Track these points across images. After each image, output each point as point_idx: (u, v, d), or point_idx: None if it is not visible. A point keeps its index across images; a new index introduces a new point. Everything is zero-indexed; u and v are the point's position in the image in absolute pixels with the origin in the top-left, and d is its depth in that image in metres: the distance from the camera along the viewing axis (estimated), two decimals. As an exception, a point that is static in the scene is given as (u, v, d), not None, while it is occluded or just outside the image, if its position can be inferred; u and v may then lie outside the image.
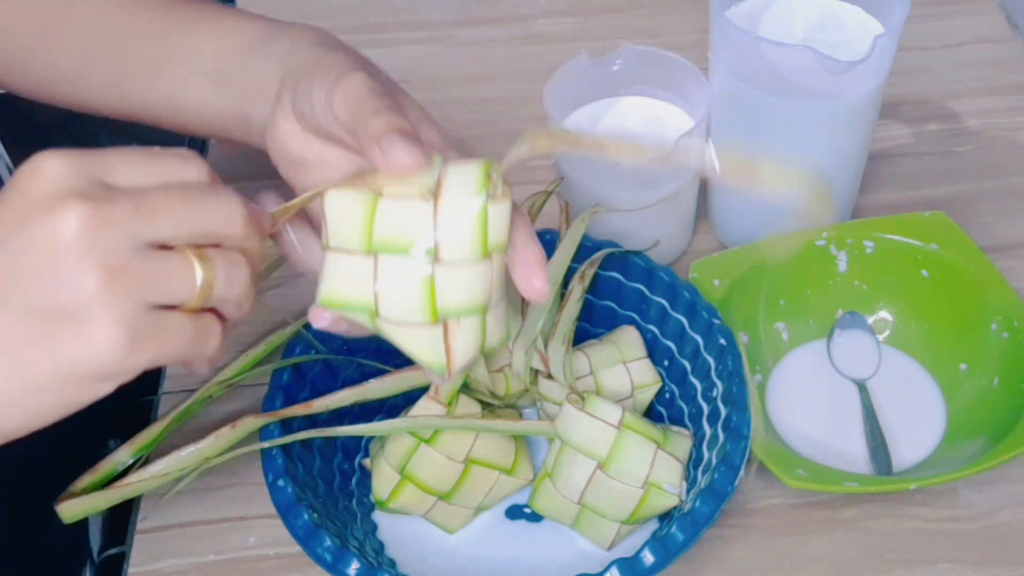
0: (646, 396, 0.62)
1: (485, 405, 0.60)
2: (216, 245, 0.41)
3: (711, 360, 0.58)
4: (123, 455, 0.56)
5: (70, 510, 0.54)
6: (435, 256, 0.41)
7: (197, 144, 0.84)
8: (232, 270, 0.41)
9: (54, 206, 0.37)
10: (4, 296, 0.37)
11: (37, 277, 0.37)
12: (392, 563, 0.58)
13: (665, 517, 0.56)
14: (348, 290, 0.42)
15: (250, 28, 0.54)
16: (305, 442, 0.57)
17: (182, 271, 0.39)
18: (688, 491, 0.55)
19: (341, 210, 0.42)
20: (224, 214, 0.40)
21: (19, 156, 1.70)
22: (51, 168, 0.38)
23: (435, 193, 0.41)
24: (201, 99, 0.54)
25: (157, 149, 0.40)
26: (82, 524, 0.62)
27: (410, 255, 0.41)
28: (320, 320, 0.44)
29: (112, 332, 0.37)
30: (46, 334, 0.37)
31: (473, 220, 0.41)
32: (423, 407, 0.57)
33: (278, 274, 0.73)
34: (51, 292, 0.37)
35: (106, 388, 0.39)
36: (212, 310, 0.42)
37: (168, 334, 0.39)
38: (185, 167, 0.40)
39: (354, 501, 0.59)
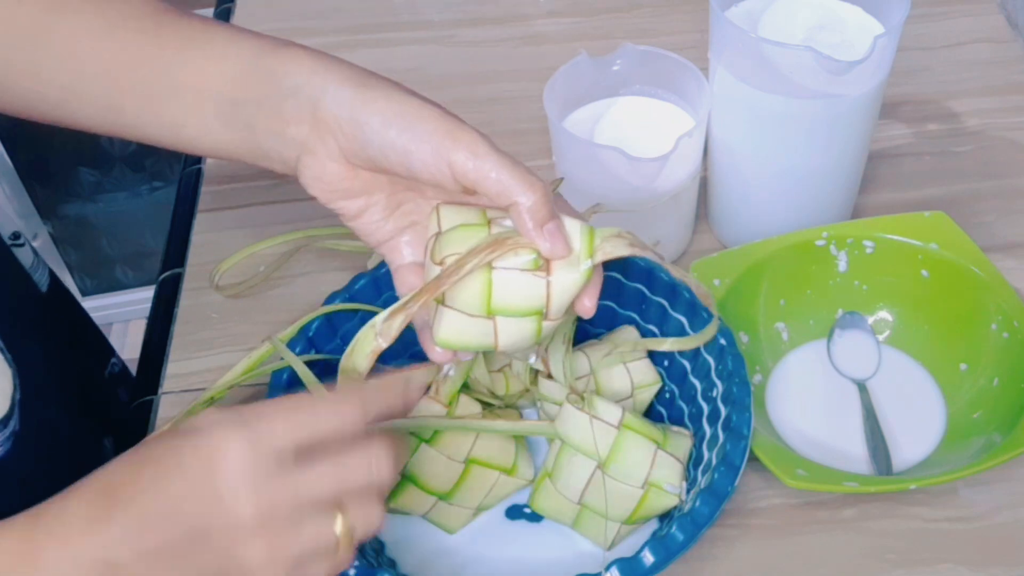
0: (646, 396, 0.62)
1: (485, 405, 0.60)
2: None
3: (711, 360, 0.58)
4: None
5: None
6: (544, 315, 0.49)
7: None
8: (368, 510, 0.45)
9: (237, 483, 0.41)
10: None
11: (211, 548, 0.42)
12: (392, 563, 0.57)
13: (665, 517, 0.56)
14: (468, 339, 0.50)
15: (247, 51, 0.52)
16: (305, 442, 0.57)
17: (325, 527, 0.43)
18: (688, 491, 0.55)
19: (460, 283, 0.48)
20: (374, 473, 0.44)
21: (20, 156, 1.70)
22: (233, 454, 0.41)
23: (547, 267, 0.49)
24: (205, 128, 0.54)
25: (318, 396, 0.46)
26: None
27: (524, 318, 0.49)
28: (439, 356, 0.52)
29: None
30: None
31: (578, 287, 0.49)
32: (423, 407, 0.57)
33: (278, 274, 0.73)
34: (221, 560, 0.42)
35: None
36: None
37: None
38: (342, 417, 0.44)
39: (354, 501, 0.59)
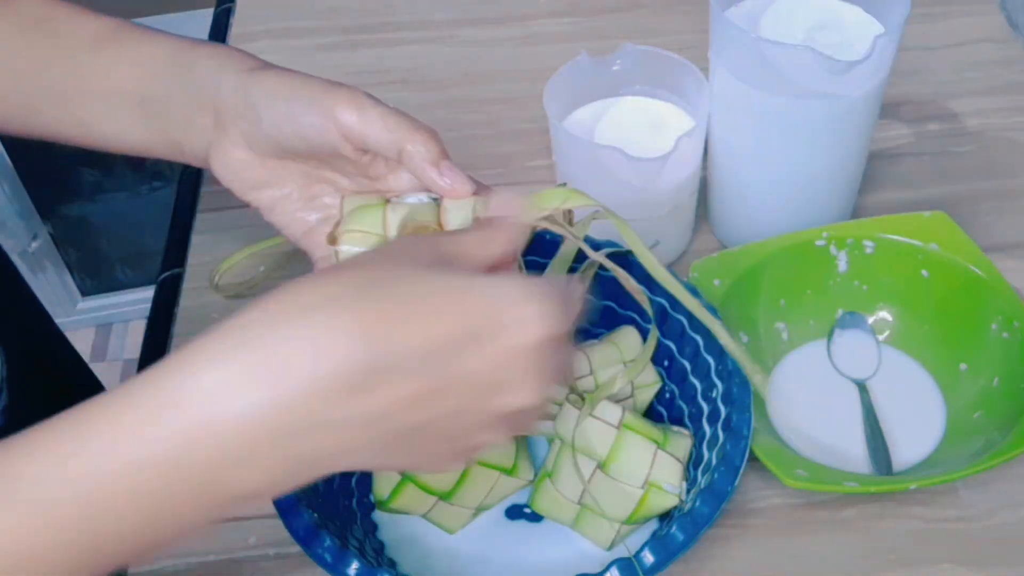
0: (646, 396, 0.62)
1: (485, 405, 0.60)
2: None
3: (711, 360, 0.58)
4: None
5: None
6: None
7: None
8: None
9: (528, 363, 0.40)
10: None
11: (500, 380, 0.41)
12: (392, 563, 0.58)
13: (665, 517, 0.56)
14: None
15: (162, 52, 0.53)
16: (305, 442, 0.57)
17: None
18: (688, 491, 0.55)
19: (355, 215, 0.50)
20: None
21: (20, 156, 1.69)
22: (529, 320, 0.40)
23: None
24: (121, 126, 0.54)
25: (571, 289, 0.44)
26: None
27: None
28: None
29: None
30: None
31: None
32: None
33: (278, 275, 0.73)
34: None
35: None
36: None
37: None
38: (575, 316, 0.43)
39: (354, 501, 0.59)
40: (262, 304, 0.39)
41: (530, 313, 0.40)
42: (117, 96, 0.54)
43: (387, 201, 0.51)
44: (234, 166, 0.52)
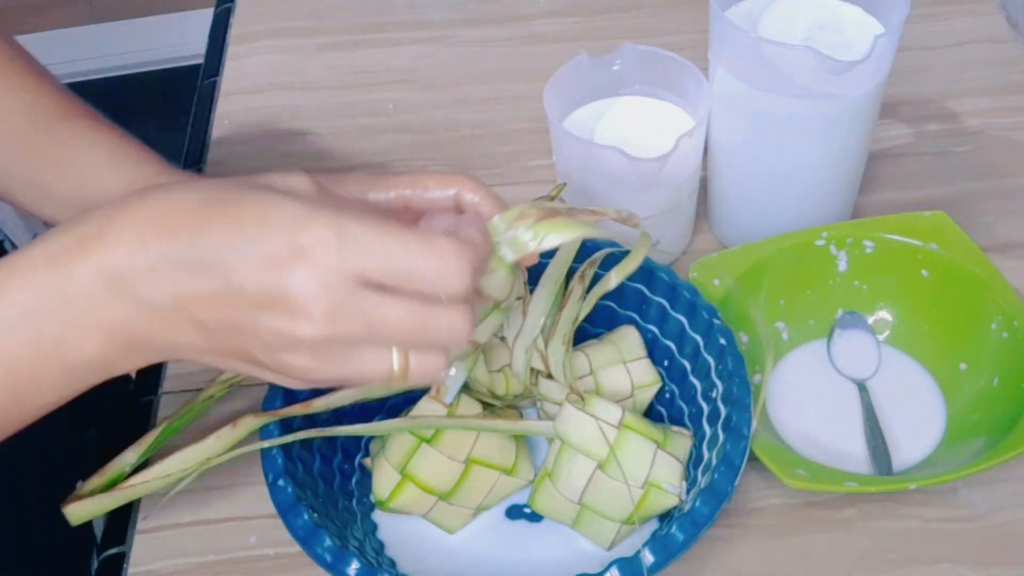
0: (646, 396, 0.62)
1: (486, 405, 0.60)
2: None
3: (711, 360, 0.58)
4: (130, 457, 0.56)
5: (77, 512, 0.54)
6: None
7: (197, 142, 0.84)
8: (431, 360, 0.43)
9: (310, 290, 0.40)
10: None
11: (249, 328, 0.41)
12: (392, 563, 0.58)
13: (665, 517, 0.56)
14: None
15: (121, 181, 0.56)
16: (305, 442, 0.57)
17: (381, 363, 0.43)
18: (688, 491, 0.55)
19: None
20: (449, 336, 0.43)
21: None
22: (321, 256, 0.40)
23: None
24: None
25: (437, 238, 0.42)
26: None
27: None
28: None
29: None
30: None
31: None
32: (424, 407, 0.57)
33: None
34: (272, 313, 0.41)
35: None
36: None
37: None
38: (446, 279, 0.42)
39: (354, 501, 0.59)
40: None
41: (309, 242, 0.40)
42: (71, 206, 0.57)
43: None
44: None
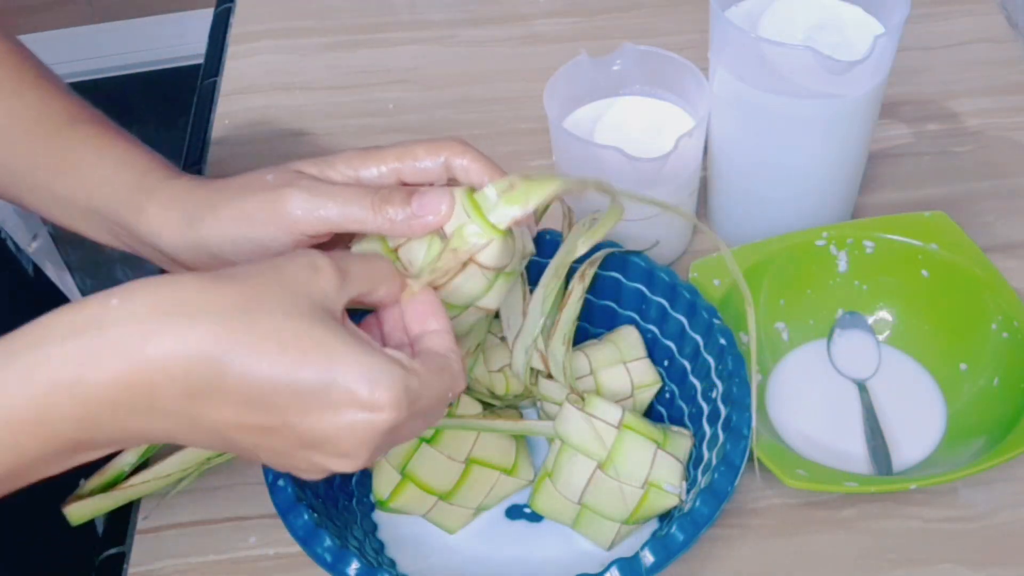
0: (646, 396, 0.62)
1: (486, 405, 0.60)
2: None
3: (711, 360, 0.58)
4: (129, 457, 0.56)
5: (78, 512, 0.54)
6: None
7: (197, 142, 0.84)
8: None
9: (362, 440, 0.42)
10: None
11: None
12: (392, 563, 0.58)
13: (665, 517, 0.56)
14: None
15: (121, 187, 0.55)
16: (305, 442, 0.57)
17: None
18: (688, 491, 0.55)
19: None
20: (424, 429, 0.49)
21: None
22: (383, 408, 0.42)
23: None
24: (88, 232, 0.57)
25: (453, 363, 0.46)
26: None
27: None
28: None
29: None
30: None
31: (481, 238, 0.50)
32: (423, 407, 0.57)
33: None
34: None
35: None
36: None
37: None
38: (452, 399, 0.47)
39: (354, 501, 0.59)
40: (130, 291, 0.40)
41: (379, 401, 0.41)
42: (78, 210, 0.56)
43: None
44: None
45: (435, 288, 0.49)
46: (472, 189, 0.49)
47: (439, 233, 0.49)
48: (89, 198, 0.54)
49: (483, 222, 0.48)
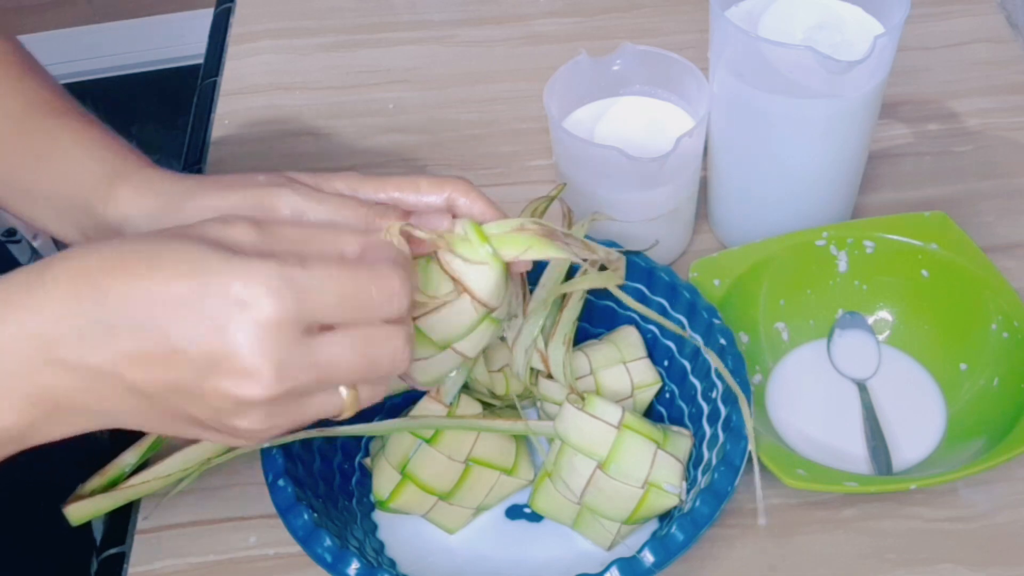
0: (646, 396, 0.62)
1: (486, 405, 0.60)
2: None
3: (711, 360, 0.58)
4: (130, 457, 0.56)
5: (78, 512, 0.54)
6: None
7: (197, 142, 0.84)
8: (377, 389, 0.44)
9: (255, 349, 0.39)
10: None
11: (195, 392, 0.40)
12: (392, 563, 0.58)
13: (665, 517, 0.56)
14: (441, 369, 0.52)
15: (90, 176, 0.54)
16: (305, 442, 0.57)
17: (331, 403, 0.42)
18: (688, 491, 0.55)
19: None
20: (393, 364, 0.42)
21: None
22: (267, 311, 0.38)
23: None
24: (58, 231, 0.56)
25: (378, 264, 0.42)
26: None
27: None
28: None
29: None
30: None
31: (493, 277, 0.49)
32: (424, 407, 0.57)
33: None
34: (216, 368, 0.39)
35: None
36: None
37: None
38: (391, 303, 0.41)
39: (354, 501, 0.59)
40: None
41: (254, 293, 0.38)
42: (53, 204, 0.55)
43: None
44: None
45: (420, 316, 0.48)
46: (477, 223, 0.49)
47: (433, 255, 0.48)
48: (56, 186, 0.53)
49: (487, 245, 0.48)
